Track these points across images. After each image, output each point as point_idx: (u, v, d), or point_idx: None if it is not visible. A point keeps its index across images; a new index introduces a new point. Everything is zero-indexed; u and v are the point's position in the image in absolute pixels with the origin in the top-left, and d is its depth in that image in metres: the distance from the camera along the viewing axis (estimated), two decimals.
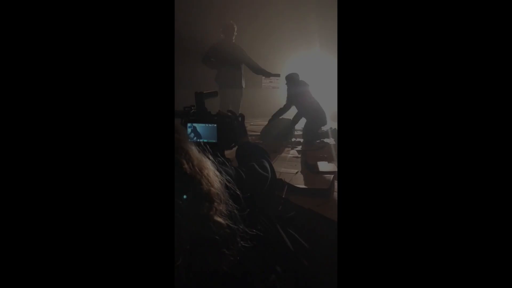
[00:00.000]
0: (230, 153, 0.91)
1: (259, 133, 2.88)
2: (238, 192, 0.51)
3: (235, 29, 3.14)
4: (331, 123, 2.94)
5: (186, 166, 0.42)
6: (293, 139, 2.91)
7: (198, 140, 0.87)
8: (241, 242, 0.46)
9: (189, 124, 0.88)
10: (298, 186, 1.59)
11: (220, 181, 0.47)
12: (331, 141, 2.71)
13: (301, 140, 2.86)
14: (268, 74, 3.37)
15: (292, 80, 2.83)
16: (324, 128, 2.88)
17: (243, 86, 3.25)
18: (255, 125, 3.83)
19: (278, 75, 3.45)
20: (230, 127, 0.85)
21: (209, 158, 0.49)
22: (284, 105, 2.86)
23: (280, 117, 2.91)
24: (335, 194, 1.53)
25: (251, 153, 0.73)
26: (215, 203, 0.43)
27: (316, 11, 4.53)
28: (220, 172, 0.49)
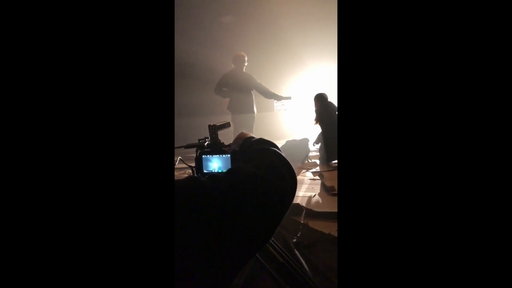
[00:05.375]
0: None
1: None
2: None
3: (246, 59, 3.26)
4: None
5: None
6: (308, 161, 2.88)
7: (213, 171, 0.90)
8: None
9: (204, 156, 0.91)
10: (316, 210, 1.55)
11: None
12: None
13: (317, 161, 2.83)
14: (279, 98, 3.43)
15: (320, 100, 2.86)
16: None
17: (255, 111, 3.32)
18: None
19: (289, 98, 3.50)
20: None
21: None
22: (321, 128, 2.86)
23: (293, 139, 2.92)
24: None
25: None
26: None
27: (322, 30, 4.63)
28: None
